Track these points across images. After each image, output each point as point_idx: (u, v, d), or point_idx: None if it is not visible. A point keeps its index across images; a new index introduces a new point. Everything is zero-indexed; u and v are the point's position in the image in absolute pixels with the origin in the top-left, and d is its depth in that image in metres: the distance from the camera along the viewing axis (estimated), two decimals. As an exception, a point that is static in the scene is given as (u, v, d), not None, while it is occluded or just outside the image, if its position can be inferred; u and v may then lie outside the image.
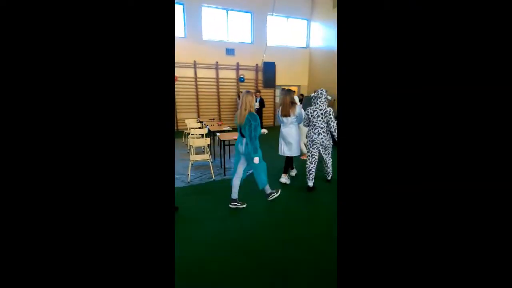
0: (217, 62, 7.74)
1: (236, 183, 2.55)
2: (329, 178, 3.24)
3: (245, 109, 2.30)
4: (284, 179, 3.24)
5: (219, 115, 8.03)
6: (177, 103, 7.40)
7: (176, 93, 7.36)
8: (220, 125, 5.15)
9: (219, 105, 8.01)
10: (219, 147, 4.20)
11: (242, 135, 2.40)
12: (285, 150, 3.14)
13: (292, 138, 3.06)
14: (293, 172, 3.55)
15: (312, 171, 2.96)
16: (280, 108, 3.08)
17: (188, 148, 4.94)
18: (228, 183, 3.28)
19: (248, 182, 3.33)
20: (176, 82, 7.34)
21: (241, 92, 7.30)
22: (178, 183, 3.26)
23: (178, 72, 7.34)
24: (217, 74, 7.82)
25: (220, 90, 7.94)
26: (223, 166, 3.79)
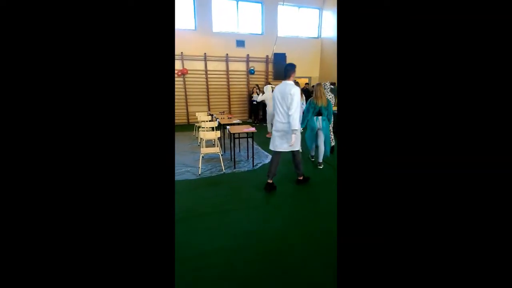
0: (227, 54, 7.69)
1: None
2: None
3: (323, 95, 3.28)
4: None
5: (229, 108, 8.04)
6: (188, 96, 7.46)
7: (186, 86, 7.41)
8: (230, 118, 5.17)
9: (229, 98, 8.01)
10: (229, 140, 4.22)
11: (318, 115, 3.36)
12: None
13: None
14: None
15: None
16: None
17: (199, 141, 5.00)
18: (238, 176, 3.31)
19: (258, 175, 3.34)
20: (186, 75, 7.38)
21: (258, 85, 7.19)
22: (189, 176, 3.32)
23: (189, 65, 7.37)
24: (227, 66, 7.78)
25: (230, 82, 7.92)
26: (233, 159, 3.82)
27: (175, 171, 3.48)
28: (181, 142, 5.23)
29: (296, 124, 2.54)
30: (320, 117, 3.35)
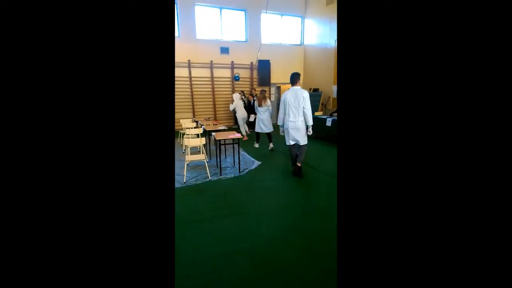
0: (211, 61, 7.70)
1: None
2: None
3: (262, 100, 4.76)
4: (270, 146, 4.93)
5: (215, 114, 8.01)
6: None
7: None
8: (216, 124, 5.14)
9: (214, 105, 7.98)
10: (215, 147, 4.19)
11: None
12: (263, 128, 4.92)
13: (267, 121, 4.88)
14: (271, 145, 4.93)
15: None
16: (257, 101, 4.93)
17: (183, 148, 4.93)
18: (224, 183, 3.29)
19: (245, 182, 3.33)
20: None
21: (243, 91, 7.36)
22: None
23: (173, 71, 7.29)
24: (211, 73, 7.78)
25: (215, 89, 7.91)
26: (219, 166, 3.79)
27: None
28: (165, 150, 5.12)
29: (311, 120, 3.22)
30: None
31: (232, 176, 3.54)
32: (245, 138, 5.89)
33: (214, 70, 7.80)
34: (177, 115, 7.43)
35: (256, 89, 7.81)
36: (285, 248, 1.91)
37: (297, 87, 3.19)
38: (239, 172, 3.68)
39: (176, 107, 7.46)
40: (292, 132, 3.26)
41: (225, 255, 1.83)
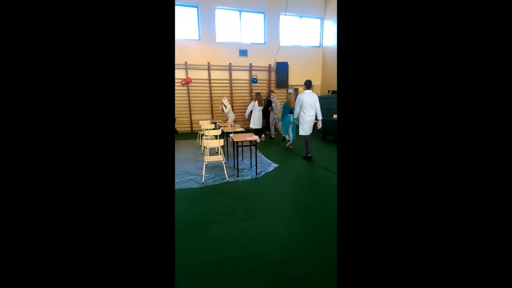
0: (230, 63, 7.80)
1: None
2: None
3: (293, 101, 5.23)
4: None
5: (232, 116, 8.08)
6: (191, 105, 7.54)
7: (190, 94, 7.50)
8: (233, 126, 5.20)
9: (232, 106, 8.07)
10: (233, 148, 4.24)
11: (290, 112, 5.28)
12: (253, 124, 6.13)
13: (259, 119, 6.07)
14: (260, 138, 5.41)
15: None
16: (257, 102, 6.03)
17: (202, 149, 5.02)
18: (241, 185, 3.31)
19: (262, 184, 3.33)
20: (190, 84, 7.48)
21: (259, 93, 7.58)
22: (192, 184, 3.32)
23: (192, 74, 7.47)
24: (230, 75, 7.88)
25: (233, 91, 8.00)
26: (236, 167, 3.82)
27: (179, 179, 3.49)
28: (184, 150, 5.26)
29: (321, 115, 4.26)
30: (291, 114, 5.23)
31: (249, 178, 3.55)
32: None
33: (233, 73, 7.89)
34: (196, 117, 7.61)
35: (274, 91, 7.81)
36: (302, 254, 1.88)
37: (310, 91, 4.19)
38: (256, 174, 3.68)
39: (195, 108, 7.64)
40: (306, 125, 4.25)
41: (240, 259, 1.83)
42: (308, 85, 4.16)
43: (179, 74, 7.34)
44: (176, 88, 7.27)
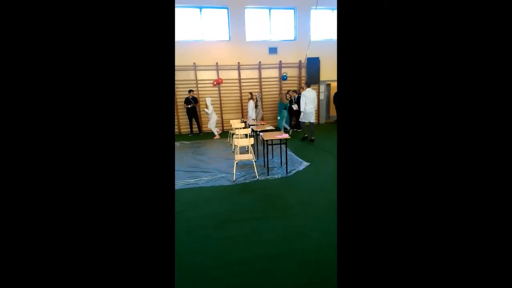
0: (260, 62, 7.82)
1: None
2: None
3: (284, 98, 6.65)
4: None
5: (262, 114, 8.11)
6: (222, 104, 7.73)
7: (221, 94, 7.70)
8: (263, 124, 5.21)
9: (262, 105, 8.09)
10: (262, 147, 4.25)
11: (285, 108, 6.62)
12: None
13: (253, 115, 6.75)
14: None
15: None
16: (254, 100, 6.88)
17: (232, 148, 5.13)
18: (272, 183, 3.30)
19: (292, 183, 3.29)
20: (221, 85, 7.68)
21: (291, 90, 7.57)
22: (224, 182, 3.42)
23: (223, 74, 7.66)
24: (260, 74, 7.90)
25: (263, 89, 8.01)
26: (266, 166, 3.83)
27: (212, 177, 3.62)
28: (216, 149, 5.43)
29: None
30: (285, 110, 6.59)
31: (280, 176, 3.53)
32: (217, 137, 6.73)
33: (262, 71, 7.90)
34: (227, 116, 7.79)
35: (304, 87, 7.65)
36: (334, 254, 1.81)
37: (310, 89, 5.53)
38: (287, 173, 3.65)
39: (226, 108, 7.82)
40: (311, 115, 5.52)
41: (275, 258, 1.83)
42: (308, 84, 5.79)
43: (210, 75, 7.58)
44: (207, 89, 7.53)
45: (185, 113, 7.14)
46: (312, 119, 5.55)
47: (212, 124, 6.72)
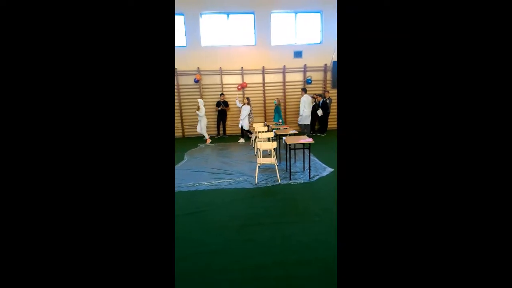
0: (284, 66, 7.81)
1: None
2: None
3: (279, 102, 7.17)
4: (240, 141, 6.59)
5: (285, 118, 8.07)
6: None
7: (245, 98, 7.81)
8: (286, 128, 5.18)
9: (285, 109, 8.06)
10: (285, 151, 4.22)
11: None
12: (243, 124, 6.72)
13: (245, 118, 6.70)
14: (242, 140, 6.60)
15: None
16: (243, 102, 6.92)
17: (255, 151, 5.17)
18: (294, 188, 3.27)
19: (315, 189, 3.22)
20: (245, 89, 7.80)
21: (316, 94, 7.55)
22: (246, 184, 3.45)
23: (248, 78, 7.77)
24: (284, 78, 7.89)
25: (286, 93, 7.98)
26: (288, 170, 3.80)
27: (234, 179, 3.67)
28: (238, 152, 5.50)
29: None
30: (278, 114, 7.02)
31: (302, 181, 3.48)
32: (209, 141, 6.68)
33: (286, 75, 7.88)
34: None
35: (330, 91, 7.47)
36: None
37: (307, 95, 6.67)
38: (309, 178, 3.58)
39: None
40: (308, 118, 6.58)
41: (297, 264, 1.80)
42: (305, 90, 6.83)
43: (235, 80, 7.74)
44: (232, 93, 7.68)
45: (208, 116, 7.35)
46: (308, 121, 6.72)
47: (203, 128, 6.60)
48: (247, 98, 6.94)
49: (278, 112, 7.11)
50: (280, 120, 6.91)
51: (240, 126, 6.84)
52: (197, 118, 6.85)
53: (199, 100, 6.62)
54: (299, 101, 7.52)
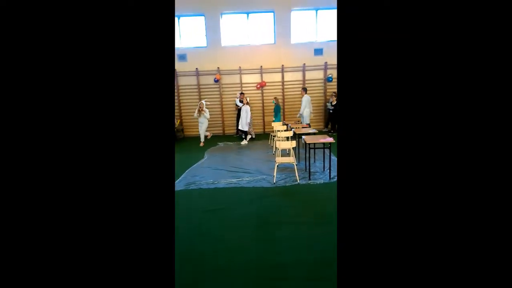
0: (304, 64, 7.70)
1: None
2: None
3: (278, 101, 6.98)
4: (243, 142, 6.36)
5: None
6: (264, 107, 7.84)
7: (264, 97, 7.81)
8: (305, 127, 5.10)
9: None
10: (304, 150, 4.17)
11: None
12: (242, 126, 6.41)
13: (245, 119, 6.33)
14: (244, 142, 6.38)
15: None
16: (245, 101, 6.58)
17: (273, 150, 5.15)
18: (313, 188, 3.22)
19: (335, 190, 3.15)
20: (264, 87, 7.79)
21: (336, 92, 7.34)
22: (264, 183, 3.45)
23: (267, 77, 7.76)
24: (303, 76, 7.78)
25: (306, 91, 7.87)
26: (307, 170, 3.74)
27: (253, 178, 3.70)
28: (257, 150, 5.52)
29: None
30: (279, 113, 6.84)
31: (322, 182, 3.42)
32: (201, 144, 6.27)
33: (306, 73, 7.76)
34: (268, 118, 7.85)
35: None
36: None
37: (306, 94, 6.63)
38: (329, 178, 3.51)
39: (268, 110, 7.89)
40: (307, 118, 6.54)
41: (317, 264, 1.78)
42: (305, 90, 6.78)
43: (254, 79, 7.76)
44: (251, 91, 7.71)
45: (228, 115, 7.45)
46: (308, 121, 6.57)
47: (204, 129, 6.23)
48: (246, 98, 6.67)
49: (278, 112, 7.05)
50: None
51: (240, 127, 6.49)
52: (218, 117, 6.88)
53: (203, 101, 6.25)
54: (323, 99, 7.39)
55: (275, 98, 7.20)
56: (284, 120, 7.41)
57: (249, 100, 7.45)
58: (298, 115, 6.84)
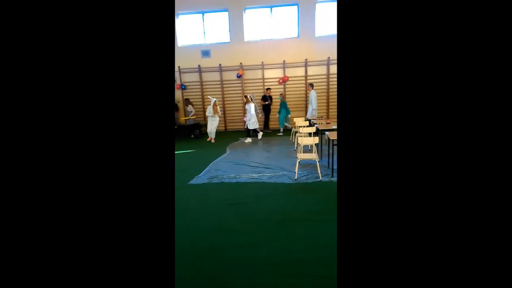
0: (329, 57, 7.44)
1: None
2: None
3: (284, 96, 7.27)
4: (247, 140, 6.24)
5: (328, 113, 7.74)
6: (287, 102, 7.75)
7: (286, 92, 7.71)
8: (329, 123, 4.96)
9: (328, 103, 7.72)
10: (327, 146, 4.06)
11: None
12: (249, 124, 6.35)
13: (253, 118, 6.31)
14: (249, 139, 6.23)
15: None
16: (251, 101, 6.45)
17: (295, 146, 5.09)
18: (335, 186, 3.13)
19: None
20: (286, 82, 7.68)
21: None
22: (285, 179, 3.43)
23: (290, 72, 7.63)
24: (328, 70, 7.53)
25: (330, 86, 7.62)
26: (330, 167, 3.65)
27: (274, 173, 3.69)
28: (278, 146, 5.49)
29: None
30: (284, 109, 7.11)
31: (345, 180, 3.31)
32: (213, 140, 6.36)
33: (331, 67, 7.50)
34: (291, 114, 7.77)
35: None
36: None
37: (314, 90, 6.64)
38: (353, 176, 3.38)
39: (290, 106, 7.80)
40: (313, 111, 6.56)
41: (329, 262, 1.74)
42: (312, 86, 6.72)
43: (277, 73, 7.68)
44: (273, 87, 7.65)
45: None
46: (315, 116, 6.58)
47: (215, 126, 6.33)
48: (248, 95, 6.43)
49: (285, 108, 7.07)
50: (289, 115, 7.07)
51: (246, 126, 6.39)
52: (240, 112, 6.92)
53: (212, 98, 6.24)
54: (309, 96, 7.17)
55: (281, 94, 7.26)
56: (306, 115, 7.27)
57: (271, 94, 7.41)
58: (310, 113, 6.70)
